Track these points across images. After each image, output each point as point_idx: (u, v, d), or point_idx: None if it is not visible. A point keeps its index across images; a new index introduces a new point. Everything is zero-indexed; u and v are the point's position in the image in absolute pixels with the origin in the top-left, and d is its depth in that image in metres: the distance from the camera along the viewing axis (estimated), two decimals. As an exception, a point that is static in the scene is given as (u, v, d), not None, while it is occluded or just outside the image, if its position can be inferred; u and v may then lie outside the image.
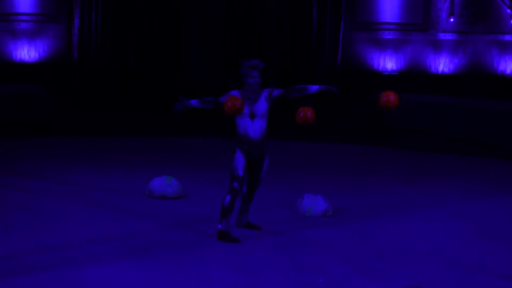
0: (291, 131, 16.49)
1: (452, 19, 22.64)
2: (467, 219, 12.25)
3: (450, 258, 10.52)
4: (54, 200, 12.66)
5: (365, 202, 13.08)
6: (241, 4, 22.43)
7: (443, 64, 22.68)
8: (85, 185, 13.57)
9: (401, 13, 22.73)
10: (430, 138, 17.65)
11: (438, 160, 16.27)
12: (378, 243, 11.03)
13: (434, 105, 18.15)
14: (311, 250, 10.66)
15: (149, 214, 12.05)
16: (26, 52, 22.52)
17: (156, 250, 10.51)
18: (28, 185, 13.52)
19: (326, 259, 10.32)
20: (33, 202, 12.52)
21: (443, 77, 22.54)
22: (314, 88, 10.67)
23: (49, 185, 13.52)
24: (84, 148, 16.44)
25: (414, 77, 22.43)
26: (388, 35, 22.72)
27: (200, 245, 10.74)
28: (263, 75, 10.70)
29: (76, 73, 22.51)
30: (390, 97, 10.81)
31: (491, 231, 11.70)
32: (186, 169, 14.68)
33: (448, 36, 22.71)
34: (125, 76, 22.51)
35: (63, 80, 22.16)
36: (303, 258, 10.38)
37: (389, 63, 22.67)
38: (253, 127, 10.73)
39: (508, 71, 22.59)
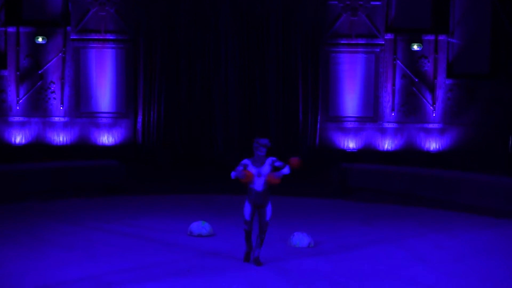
0: (283, 190, 16.45)
1: (393, 113, 22.71)
2: (404, 248, 12.20)
3: (395, 274, 10.48)
4: (126, 238, 12.64)
5: (336, 237, 13.03)
6: (251, 102, 22.47)
7: (387, 144, 22.71)
8: (147, 227, 13.55)
9: (359, 109, 22.78)
10: (380, 194, 17.58)
11: (386, 209, 16.21)
12: (347, 265, 10.99)
13: (382, 172, 18.13)
14: (300, 271, 10.63)
15: (190, 247, 12.03)
16: (106, 138, 22.61)
17: (195, 271, 10.49)
18: (108, 227, 13.50)
19: (311, 277, 10.29)
20: (112, 239, 12.51)
21: (387, 153, 22.55)
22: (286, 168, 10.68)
23: (123, 228, 13.50)
24: (146, 202, 16.41)
25: (368, 153, 22.43)
26: (350, 125, 22.77)
27: (224, 268, 10.72)
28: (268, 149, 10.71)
29: (140, 151, 22.57)
30: (295, 161, 10.74)
31: (422, 256, 11.66)
32: (216, 216, 14.64)
33: (390, 125, 22.76)
34: (174, 153, 22.53)
35: (131, 157, 22.19)
36: (295, 276, 10.35)
37: (351, 144, 22.70)
38: (259, 182, 10.73)
39: (431, 148, 22.61)
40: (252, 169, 10.59)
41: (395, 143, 22.63)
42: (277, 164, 10.65)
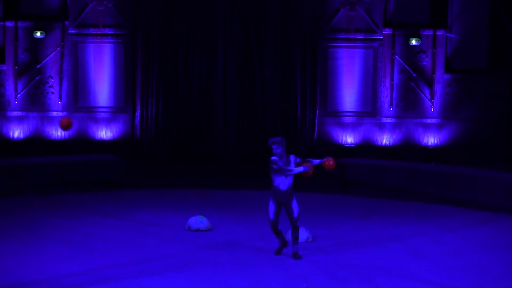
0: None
1: (391, 108, 22.70)
2: (402, 242, 12.21)
3: (393, 269, 10.49)
4: (124, 232, 12.65)
5: (335, 232, 13.04)
6: (250, 97, 22.47)
7: (385, 139, 22.71)
8: (145, 222, 13.55)
9: (357, 104, 22.77)
10: (378, 188, 17.59)
11: (384, 203, 16.22)
12: (345, 259, 11.00)
13: (380, 166, 18.12)
14: (298, 264, 10.64)
15: (187, 242, 12.03)
16: (104, 133, 22.59)
17: (192, 266, 10.49)
18: (106, 222, 13.51)
19: (309, 271, 10.30)
20: (110, 234, 12.52)
21: (386, 148, 22.56)
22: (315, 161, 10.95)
23: (121, 222, 13.50)
24: (144, 197, 16.42)
25: (367, 148, 22.43)
26: (348, 120, 22.77)
27: (223, 262, 10.73)
28: (284, 145, 10.80)
29: (138, 146, 22.55)
30: (330, 162, 10.89)
31: (420, 250, 11.66)
32: (214, 210, 14.65)
33: (389, 120, 22.76)
34: (172, 147, 22.52)
35: (129, 151, 22.18)
36: (293, 269, 10.36)
37: (349, 139, 22.70)
38: (284, 182, 10.76)
39: (429, 143, 22.61)
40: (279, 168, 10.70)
41: (393, 138, 22.63)
42: (298, 160, 10.85)
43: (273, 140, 10.80)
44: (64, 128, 10.69)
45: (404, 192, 17.09)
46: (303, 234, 12.09)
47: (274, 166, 10.69)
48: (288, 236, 11.39)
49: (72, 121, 10.35)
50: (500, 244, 12.28)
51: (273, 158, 10.74)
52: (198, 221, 12.91)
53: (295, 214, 10.87)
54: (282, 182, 10.77)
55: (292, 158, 10.84)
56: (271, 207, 10.86)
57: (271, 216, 10.85)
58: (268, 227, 11.25)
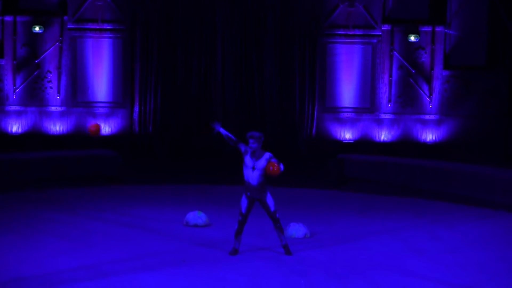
0: (279, 181, 16.46)
1: (390, 104, 22.70)
2: (400, 239, 12.20)
3: (391, 265, 10.49)
4: (123, 227, 12.64)
5: (332, 228, 13.03)
6: (248, 92, 22.45)
7: (384, 135, 22.70)
8: (143, 217, 13.54)
9: (356, 100, 22.77)
10: (376, 185, 17.59)
11: (382, 200, 16.22)
12: (343, 256, 10.99)
13: (379, 163, 18.14)
14: (295, 260, 10.63)
15: (185, 237, 12.02)
16: (103, 128, 22.54)
17: (190, 261, 10.48)
18: (104, 217, 13.50)
19: (307, 267, 10.29)
20: (108, 229, 12.51)
21: (384, 144, 22.55)
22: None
23: (119, 217, 13.50)
24: (142, 192, 16.41)
25: (365, 144, 22.43)
26: (346, 116, 22.76)
27: (221, 258, 10.72)
28: (260, 142, 10.62)
29: (137, 141, 22.54)
30: (274, 168, 10.57)
31: (418, 247, 11.66)
32: (212, 206, 14.64)
33: (387, 116, 22.75)
34: (170, 142, 22.51)
35: (127, 146, 22.18)
36: (290, 266, 10.35)
37: (347, 135, 22.69)
38: (253, 176, 10.69)
39: (427, 139, 22.61)
40: (247, 160, 10.57)
41: (392, 134, 22.63)
42: (273, 160, 10.56)
43: (251, 134, 10.59)
44: (93, 134, 10.62)
45: (403, 189, 17.09)
46: (301, 230, 12.09)
47: (231, 143, 10.66)
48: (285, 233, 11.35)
49: (100, 127, 10.35)
50: (499, 241, 12.28)
51: (241, 145, 10.61)
52: (196, 217, 12.90)
53: (272, 208, 10.73)
54: (251, 177, 10.61)
55: (267, 155, 10.63)
56: (244, 202, 10.74)
57: (243, 210, 10.72)
58: (267, 225, 11.23)
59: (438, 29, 22.43)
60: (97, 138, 20.67)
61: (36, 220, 13.00)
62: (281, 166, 10.47)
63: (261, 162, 10.58)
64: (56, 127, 22.38)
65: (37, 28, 21.98)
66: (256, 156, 10.59)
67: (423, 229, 13.06)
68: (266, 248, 11.23)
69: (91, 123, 10.29)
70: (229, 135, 10.81)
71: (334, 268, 10.25)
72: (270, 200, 10.77)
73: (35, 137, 22.13)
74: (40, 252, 10.78)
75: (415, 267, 10.38)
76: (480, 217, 14.27)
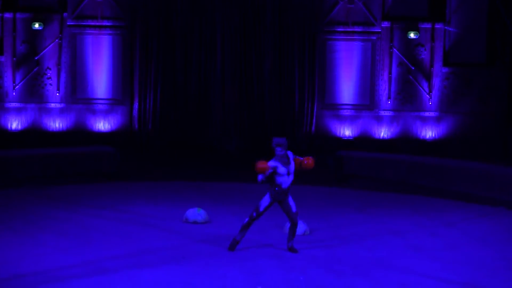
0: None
1: (389, 101, 22.68)
2: (399, 236, 12.21)
3: (390, 262, 10.49)
4: (122, 224, 12.65)
5: (332, 225, 13.04)
6: (248, 89, 22.44)
7: (383, 132, 22.70)
8: (142, 214, 13.55)
9: (355, 97, 22.74)
10: (376, 181, 17.60)
11: (381, 197, 16.23)
12: (342, 253, 11.00)
13: (378, 160, 18.14)
14: (295, 257, 10.64)
15: (185, 234, 12.03)
16: (102, 125, 22.56)
17: (190, 258, 10.49)
18: (104, 214, 13.50)
19: (306, 264, 10.30)
20: (108, 225, 12.51)
21: (383, 141, 22.55)
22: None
23: (119, 214, 13.50)
24: (142, 189, 16.42)
25: (364, 141, 22.42)
26: (346, 113, 22.75)
27: (220, 254, 10.72)
28: (286, 146, 10.66)
29: (136, 138, 22.53)
30: (309, 161, 10.73)
31: (417, 244, 11.67)
32: (211, 203, 14.64)
33: (387, 113, 22.74)
34: (169, 139, 22.50)
35: (127, 143, 22.16)
36: (290, 262, 10.35)
37: (347, 131, 22.68)
38: (287, 181, 10.67)
39: (427, 136, 22.60)
40: (281, 170, 10.52)
41: (391, 131, 22.62)
42: (295, 157, 10.77)
43: (277, 142, 10.56)
44: (259, 172, 10.49)
45: (402, 186, 17.10)
46: (300, 227, 12.09)
47: (266, 173, 10.50)
48: (286, 230, 11.36)
49: (267, 167, 10.33)
50: (498, 238, 12.29)
51: (272, 167, 10.49)
52: (196, 214, 12.90)
53: (294, 209, 10.81)
54: (285, 181, 10.66)
55: (290, 154, 10.75)
56: (266, 202, 10.73)
57: (262, 209, 10.72)
58: (267, 222, 11.23)
59: (438, 26, 22.41)
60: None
61: (35, 217, 13.00)
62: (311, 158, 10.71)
63: (292, 165, 10.67)
64: (56, 124, 22.37)
65: (36, 25, 21.96)
66: (286, 162, 10.58)
67: (422, 226, 13.07)
68: (266, 245, 11.24)
69: (259, 163, 10.12)
70: (267, 174, 10.59)
71: (333, 264, 10.26)
72: (292, 202, 10.83)
73: (34, 134, 22.12)
74: (39, 249, 10.78)
75: (414, 264, 10.39)
76: (479, 214, 14.28)
